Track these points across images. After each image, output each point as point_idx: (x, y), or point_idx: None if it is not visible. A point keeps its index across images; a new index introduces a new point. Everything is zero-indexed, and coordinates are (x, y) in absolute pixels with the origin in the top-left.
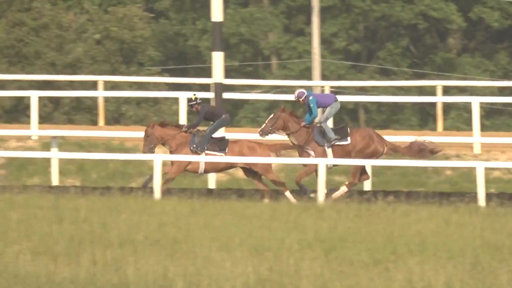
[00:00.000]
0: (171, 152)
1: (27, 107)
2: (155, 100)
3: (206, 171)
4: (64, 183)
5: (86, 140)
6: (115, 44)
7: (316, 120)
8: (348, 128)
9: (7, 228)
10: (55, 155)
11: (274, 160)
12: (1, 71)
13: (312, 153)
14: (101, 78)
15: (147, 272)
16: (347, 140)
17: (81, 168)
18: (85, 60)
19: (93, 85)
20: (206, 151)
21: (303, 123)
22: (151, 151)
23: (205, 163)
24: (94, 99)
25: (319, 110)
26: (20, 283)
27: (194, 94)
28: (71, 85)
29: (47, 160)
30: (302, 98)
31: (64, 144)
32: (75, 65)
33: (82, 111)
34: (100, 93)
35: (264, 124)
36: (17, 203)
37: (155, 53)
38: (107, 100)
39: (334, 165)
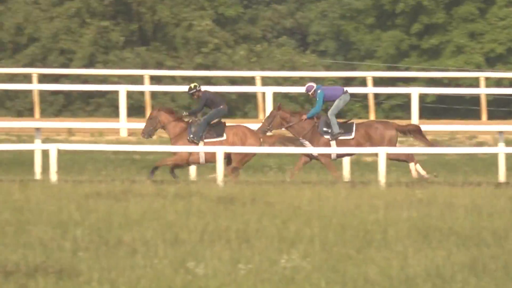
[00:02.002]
0: (171, 140)
1: None
2: None
3: (208, 161)
4: None
5: None
6: None
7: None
8: (355, 124)
9: None
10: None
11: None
12: None
13: (307, 144)
14: None
15: None
16: (350, 135)
17: None
18: None
19: None
20: (205, 140)
21: (304, 116)
22: (150, 134)
23: (205, 153)
24: None
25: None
26: None
27: (194, 83)
28: None
29: None
30: (311, 92)
31: None
32: None
33: None
34: None
35: (262, 123)
36: None
37: None
38: None
39: (337, 157)
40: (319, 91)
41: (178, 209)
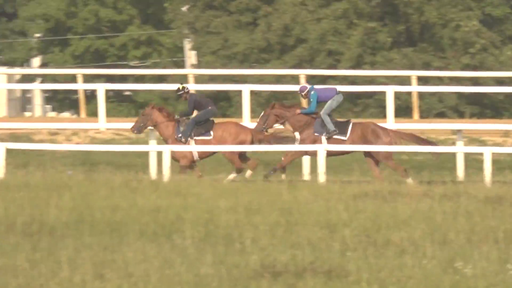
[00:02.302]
0: (164, 139)
1: None
2: None
3: (201, 157)
4: None
5: None
6: None
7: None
8: (351, 124)
9: None
10: None
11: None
12: None
13: (298, 138)
14: None
15: None
16: (345, 136)
17: None
18: None
19: None
20: (194, 137)
21: (298, 110)
22: (140, 130)
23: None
24: None
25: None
26: None
27: (182, 84)
28: None
29: None
30: (305, 93)
31: None
32: None
33: None
34: None
35: (257, 123)
36: None
37: None
38: None
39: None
40: (312, 92)
41: (445, 209)
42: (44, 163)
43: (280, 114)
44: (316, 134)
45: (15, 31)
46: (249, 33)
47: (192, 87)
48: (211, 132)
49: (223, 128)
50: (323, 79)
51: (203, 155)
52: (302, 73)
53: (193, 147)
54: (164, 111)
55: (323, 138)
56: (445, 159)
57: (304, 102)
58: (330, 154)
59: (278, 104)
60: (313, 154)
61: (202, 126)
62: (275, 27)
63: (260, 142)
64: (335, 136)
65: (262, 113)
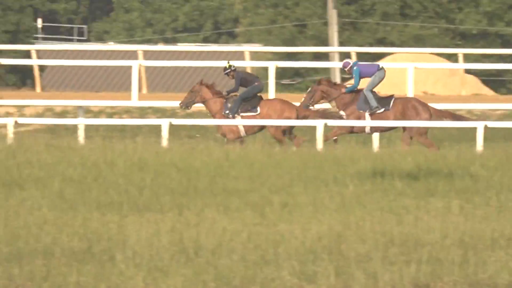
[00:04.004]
0: (211, 116)
1: None
2: None
3: (247, 133)
4: None
5: None
6: None
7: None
8: (393, 98)
9: None
10: None
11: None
12: None
13: (344, 116)
14: None
15: None
16: (388, 109)
17: None
18: None
19: None
20: (241, 113)
21: (343, 89)
22: (188, 106)
23: (244, 125)
24: None
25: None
26: None
27: (228, 62)
28: None
29: None
30: (348, 68)
31: None
32: None
33: None
34: None
35: (304, 98)
36: None
37: None
38: None
39: (371, 131)
40: (355, 68)
41: None
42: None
43: (327, 91)
44: (360, 110)
45: None
46: None
47: None
48: (258, 109)
49: (269, 105)
50: None
51: (250, 131)
52: None
53: (239, 122)
54: (213, 88)
55: (367, 114)
56: None
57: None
58: (375, 130)
59: (325, 80)
60: (360, 131)
61: (249, 103)
62: None
63: (305, 118)
64: (378, 112)
65: (308, 89)
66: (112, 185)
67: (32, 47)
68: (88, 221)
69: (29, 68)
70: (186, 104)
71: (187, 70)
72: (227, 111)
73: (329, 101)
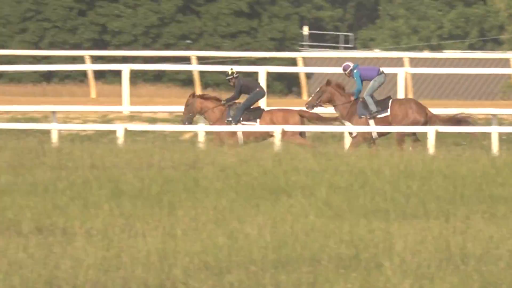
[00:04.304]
0: (211, 125)
1: None
2: None
3: (245, 142)
4: None
5: None
6: None
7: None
8: (391, 100)
9: None
10: None
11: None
12: None
13: (348, 125)
14: None
15: None
16: (387, 112)
17: None
18: None
19: None
20: (242, 122)
21: (352, 98)
22: (189, 120)
23: (243, 133)
24: None
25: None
26: None
27: (231, 69)
28: None
29: None
30: (348, 71)
31: None
32: None
33: None
34: None
35: (311, 97)
36: None
37: None
38: None
39: (379, 136)
40: (355, 71)
41: None
42: None
43: (334, 95)
44: (362, 116)
45: None
46: None
47: None
48: (258, 120)
49: (271, 115)
50: None
51: (248, 138)
52: None
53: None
54: (208, 97)
55: (371, 121)
56: None
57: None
58: (381, 134)
59: (335, 83)
60: (371, 136)
61: (251, 113)
62: None
63: (307, 119)
64: (378, 116)
65: (318, 89)
66: (378, 192)
67: (298, 55)
68: (355, 228)
69: (295, 76)
70: (187, 120)
71: (452, 77)
72: (229, 119)
73: (334, 106)
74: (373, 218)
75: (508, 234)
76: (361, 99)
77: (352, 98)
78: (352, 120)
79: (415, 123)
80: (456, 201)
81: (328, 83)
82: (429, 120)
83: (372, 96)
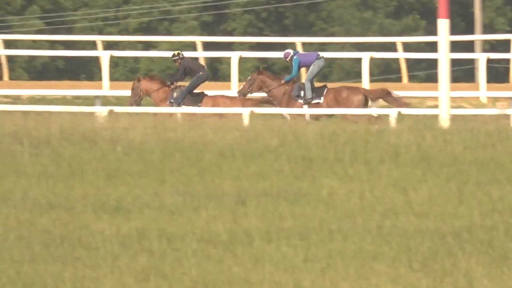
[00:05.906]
0: (156, 106)
1: None
2: None
3: None
4: None
5: None
6: None
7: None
8: (326, 89)
9: None
10: None
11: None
12: None
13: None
14: None
15: None
16: (320, 100)
17: None
18: None
19: None
20: (184, 106)
21: (282, 81)
22: (137, 103)
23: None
24: None
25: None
26: None
27: (177, 50)
28: None
29: None
30: (288, 58)
31: None
32: None
33: None
34: None
35: (242, 86)
36: None
37: None
38: None
39: (312, 119)
40: (295, 57)
41: None
42: None
43: (265, 81)
44: (297, 100)
45: None
46: None
47: None
48: (199, 105)
49: (212, 101)
50: None
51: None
52: None
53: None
54: (155, 78)
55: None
56: None
57: None
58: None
59: (265, 71)
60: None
61: (194, 98)
62: None
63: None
64: (313, 102)
65: (249, 77)
66: None
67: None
68: None
69: None
70: (134, 102)
71: None
72: (172, 100)
73: (267, 92)
74: None
75: None
76: (297, 83)
77: (283, 82)
78: (289, 103)
79: (354, 104)
80: None
81: (259, 72)
82: (368, 97)
83: (311, 82)
